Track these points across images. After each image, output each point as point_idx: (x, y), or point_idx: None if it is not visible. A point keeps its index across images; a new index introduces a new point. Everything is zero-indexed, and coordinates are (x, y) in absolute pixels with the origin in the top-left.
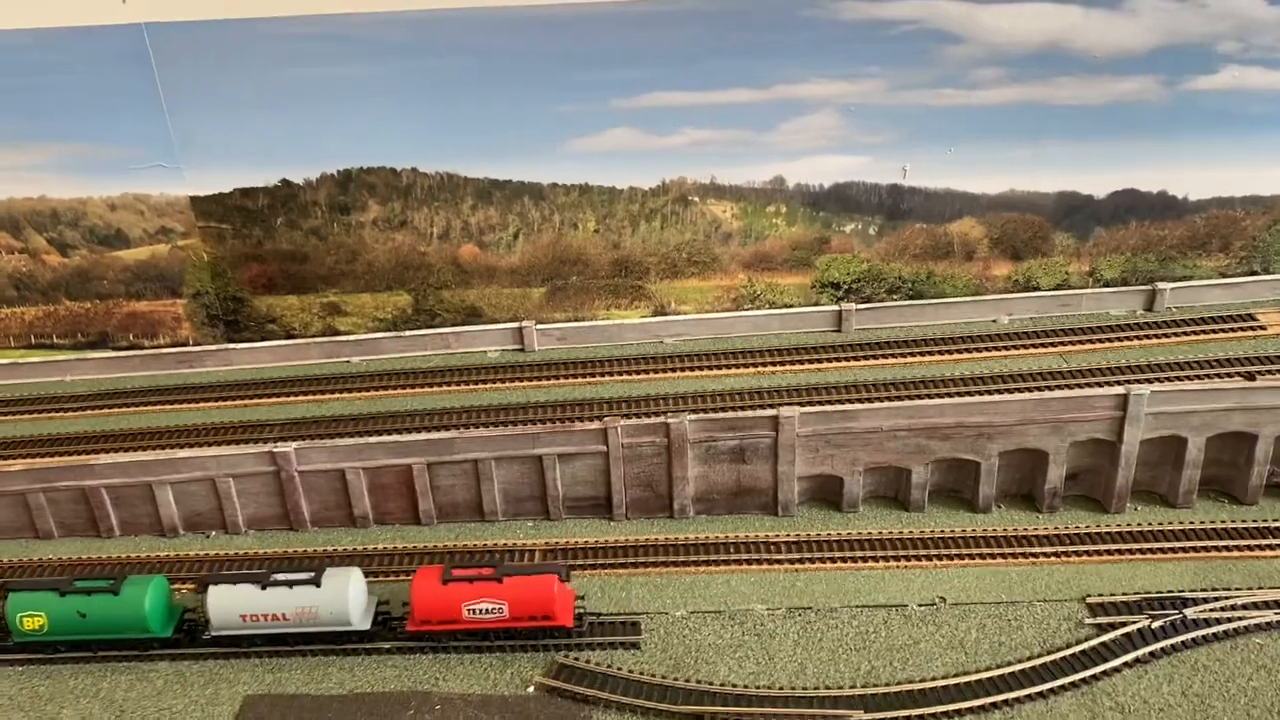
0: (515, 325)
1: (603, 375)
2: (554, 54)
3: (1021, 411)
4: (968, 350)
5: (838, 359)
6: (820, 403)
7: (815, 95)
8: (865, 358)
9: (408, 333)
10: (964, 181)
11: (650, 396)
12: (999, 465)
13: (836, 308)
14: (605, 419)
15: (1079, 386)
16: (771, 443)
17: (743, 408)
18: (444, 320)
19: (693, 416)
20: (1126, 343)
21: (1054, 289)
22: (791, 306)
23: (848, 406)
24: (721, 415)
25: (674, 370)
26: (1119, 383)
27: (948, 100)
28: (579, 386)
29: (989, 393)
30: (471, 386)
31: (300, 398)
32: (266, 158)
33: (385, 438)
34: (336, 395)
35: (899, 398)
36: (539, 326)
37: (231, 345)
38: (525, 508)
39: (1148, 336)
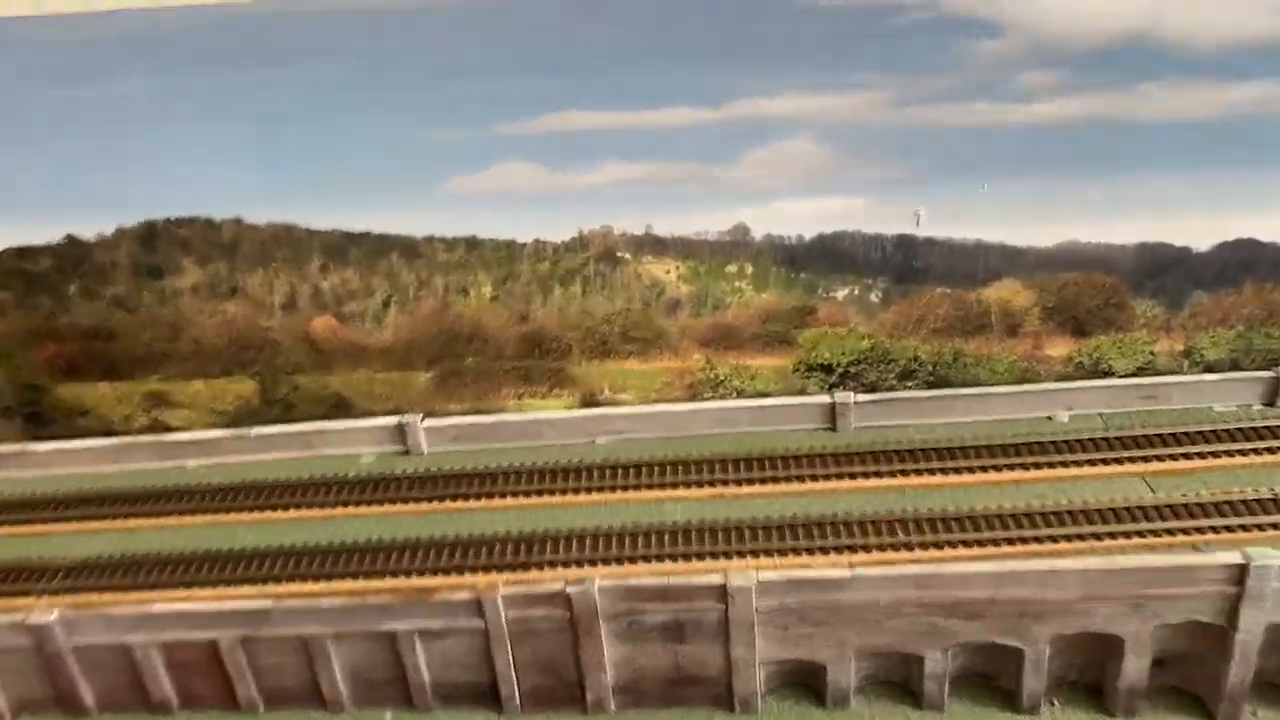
0: (395, 420)
1: (509, 494)
2: (418, 57)
3: (1084, 585)
4: (1010, 464)
5: (829, 473)
6: (796, 551)
7: (788, 113)
8: (866, 473)
9: (255, 430)
10: (1003, 230)
11: (566, 534)
12: (1051, 651)
13: (828, 399)
14: (483, 585)
15: (1170, 533)
16: (719, 617)
17: (688, 555)
18: (302, 413)
19: (605, 582)
20: (1240, 457)
21: (1133, 374)
22: (768, 395)
23: (830, 572)
24: (644, 584)
25: (606, 488)
26: (1229, 530)
27: (979, 118)
28: (476, 511)
29: (1035, 542)
30: (330, 510)
31: (104, 522)
32: (43, 207)
33: (182, 604)
34: (156, 520)
35: (902, 546)
36: (427, 422)
37: (33, 446)
38: (381, 695)
39: (1270, 448)
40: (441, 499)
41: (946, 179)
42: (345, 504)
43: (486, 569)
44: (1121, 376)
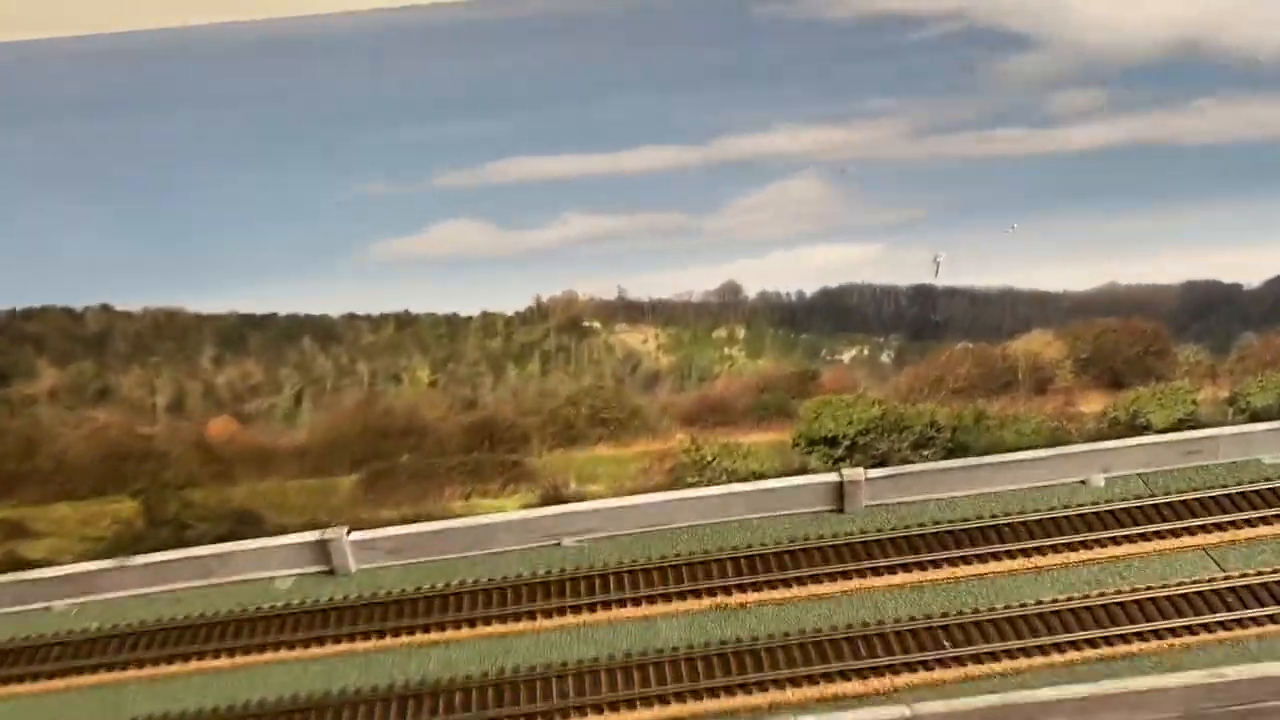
0: (316, 536)
1: (462, 623)
2: (332, 98)
3: (1186, 702)
4: (1049, 546)
5: (840, 569)
6: (828, 678)
7: (788, 149)
8: (886, 567)
9: (140, 559)
10: (1034, 275)
11: (539, 675)
12: None
13: (834, 477)
14: None
15: (1256, 622)
16: None
17: (694, 694)
18: (199, 534)
19: None
20: None
21: (1173, 428)
22: (764, 477)
23: (882, 714)
24: None
25: (579, 607)
26: None
27: (1009, 147)
28: (423, 647)
29: (1100, 644)
30: (242, 658)
31: None
32: None
33: None
34: (9, 687)
35: (952, 661)
36: (354, 535)
37: None
38: None
39: None
40: (381, 633)
41: (970, 219)
42: (261, 648)
43: None
44: (1161, 431)
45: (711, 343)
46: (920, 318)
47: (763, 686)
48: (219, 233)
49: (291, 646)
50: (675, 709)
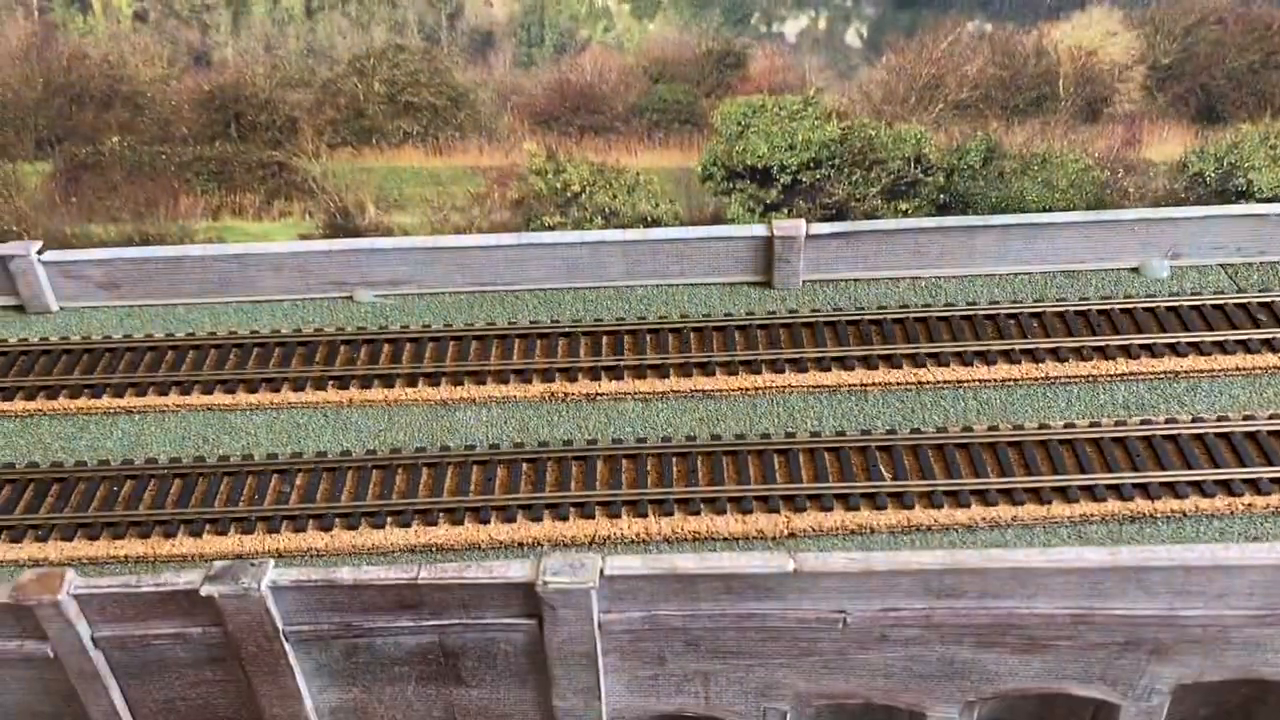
0: None
1: (196, 387)
2: None
3: (1268, 590)
4: (1073, 348)
5: (752, 359)
6: (689, 506)
7: None
8: (817, 360)
9: None
10: None
11: (255, 464)
12: (1171, 710)
13: (761, 230)
14: (29, 580)
15: None
16: (528, 639)
17: (486, 510)
18: None
19: (288, 577)
20: None
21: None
22: (656, 223)
23: (749, 561)
24: (368, 578)
25: (360, 379)
26: None
27: None
28: (133, 412)
29: (1137, 497)
30: None
31: None
32: None
33: None
34: None
35: (889, 500)
36: (49, 255)
37: None
38: None
39: None
40: (56, 391)
41: None
42: None
43: (95, 532)
44: (1267, 199)
45: None
46: None
47: (585, 512)
48: None
49: None
50: (446, 532)
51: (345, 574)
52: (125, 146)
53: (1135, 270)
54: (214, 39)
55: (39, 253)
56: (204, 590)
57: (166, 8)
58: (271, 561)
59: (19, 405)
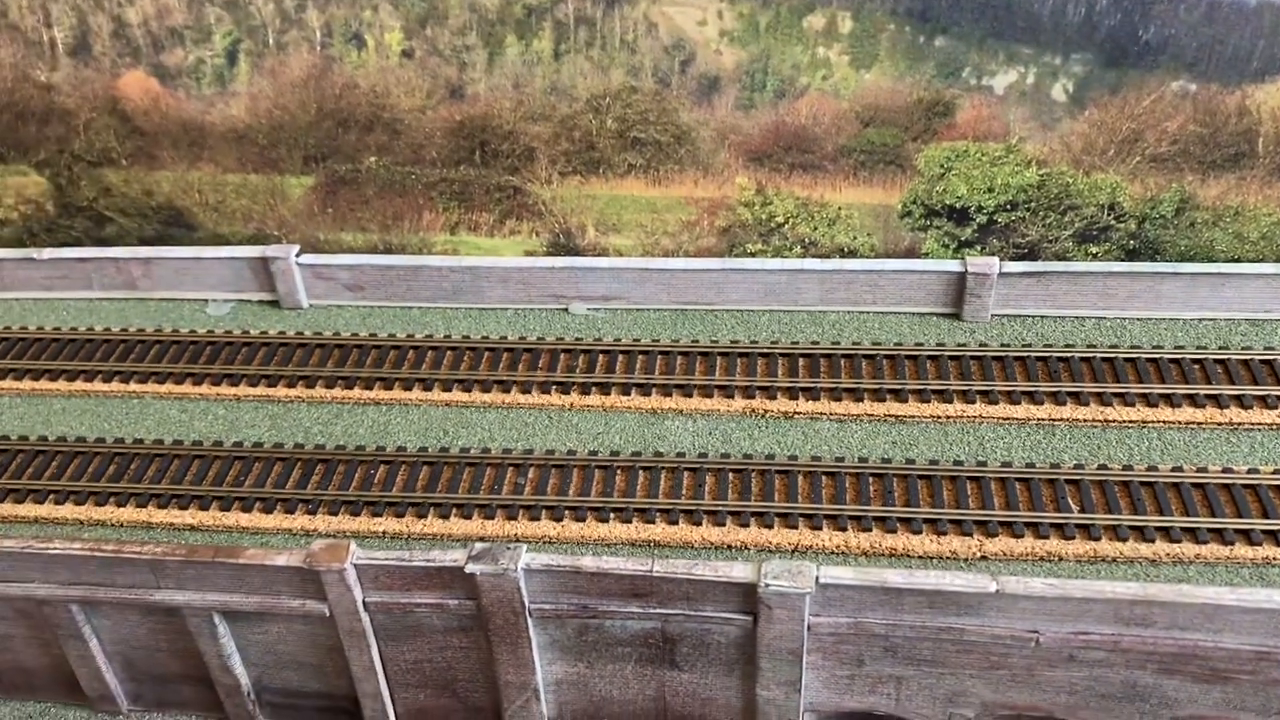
0: (258, 252)
1: (429, 383)
2: None
3: None
4: (1243, 396)
5: (939, 386)
6: (886, 525)
7: None
8: (1004, 393)
9: (50, 253)
10: None
11: (492, 458)
12: None
13: (955, 265)
14: (322, 549)
15: None
16: (742, 635)
17: (696, 514)
18: (121, 234)
19: (540, 561)
20: None
21: None
22: (855, 255)
23: (952, 580)
24: (609, 568)
25: (577, 386)
26: None
27: None
28: (375, 404)
29: None
30: (140, 385)
31: None
32: None
33: None
34: None
35: (1078, 532)
36: (306, 259)
37: None
38: (175, 695)
39: None
40: (314, 381)
41: None
42: (180, 379)
43: (357, 509)
44: None
45: (800, 35)
46: (1122, 32)
47: (790, 523)
48: None
49: (217, 382)
50: (664, 531)
51: (588, 562)
52: (380, 166)
53: None
54: (469, 75)
55: (297, 255)
56: (468, 568)
57: (431, 46)
58: (524, 546)
59: (281, 392)
